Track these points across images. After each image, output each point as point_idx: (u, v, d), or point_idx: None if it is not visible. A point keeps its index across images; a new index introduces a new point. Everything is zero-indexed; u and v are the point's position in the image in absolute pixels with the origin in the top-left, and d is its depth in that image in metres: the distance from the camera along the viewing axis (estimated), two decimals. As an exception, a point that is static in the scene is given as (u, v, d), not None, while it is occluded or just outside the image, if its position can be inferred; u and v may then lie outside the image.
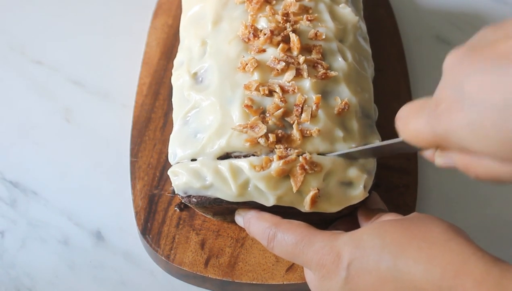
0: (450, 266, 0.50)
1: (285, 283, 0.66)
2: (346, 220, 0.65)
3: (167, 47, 0.84)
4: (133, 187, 0.73)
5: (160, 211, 0.71)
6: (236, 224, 0.69)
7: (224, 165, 0.61)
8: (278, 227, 0.60)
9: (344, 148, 0.62)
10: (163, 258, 0.68)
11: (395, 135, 0.76)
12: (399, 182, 0.72)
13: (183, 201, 0.65)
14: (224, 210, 0.65)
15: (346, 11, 0.71)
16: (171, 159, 0.66)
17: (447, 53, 0.51)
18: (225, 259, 0.68)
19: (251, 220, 0.63)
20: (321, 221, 0.64)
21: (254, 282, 0.66)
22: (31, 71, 0.86)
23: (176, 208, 0.71)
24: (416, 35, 0.90)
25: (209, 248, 0.68)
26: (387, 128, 0.76)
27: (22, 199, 0.75)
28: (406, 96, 0.80)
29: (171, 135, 0.67)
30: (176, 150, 0.65)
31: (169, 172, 0.65)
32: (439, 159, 0.55)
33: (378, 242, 0.54)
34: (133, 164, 0.74)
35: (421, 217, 0.57)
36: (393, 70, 0.82)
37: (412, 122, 0.54)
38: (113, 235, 0.72)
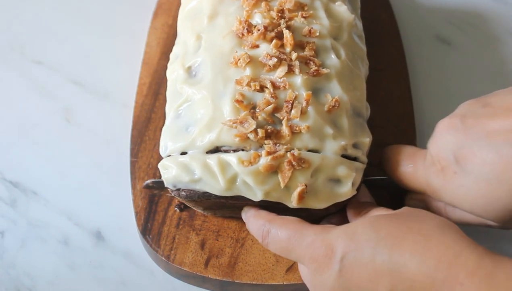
0: (444, 258, 0.51)
1: (285, 283, 0.66)
2: (336, 215, 0.66)
3: (167, 47, 0.84)
4: (133, 187, 0.73)
5: (160, 211, 0.71)
6: (235, 223, 0.69)
7: (212, 159, 0.62)
8: (271, 223, 0.60)
9: (334, 145, 0.63)
10: (163, 258, 0.68)
11: (394, 135, 0.76)
12: (399, 182, 0.72)
13: (172, 194, 0.65)
14: (213, 204, 0.65)
15: (342, 9, 0.71)
16: (162, 151, 0.66)
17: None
18: (225, 259, 0.68)
19: (249, 218, 0.63)
20: (309, 218, 0.64)
21: (254, 282, 0.66)
22: (31, 71, 0.86)
23: (176, 209, 0.71)
24: (416, 35, 0.90)
25: (209, 248, 0.68)
26: (386, 128, 0.77)
27: (22, 199, 0.75)
28: (406, 96, 0.80)
29: (163, 128, 0.67)
30: (167, 142, 0.65)
31: (159, 165, 0.65)
32: (412, 202, 0.67)
33: (373, 235, 0.54)
34: (133, 164, 0.74)
35: (413, 211, 0.58)
36: (393, 70, 0.82)
37: (406, 168, 0.64)
38: (113, 235, 0.72)
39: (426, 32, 0.90)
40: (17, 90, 0.84)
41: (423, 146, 0.74)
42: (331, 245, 0.56)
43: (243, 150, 0.62)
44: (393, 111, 0.78)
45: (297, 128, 0.62)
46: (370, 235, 0.55)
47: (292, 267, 0.67)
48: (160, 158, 0.74)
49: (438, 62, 0.87)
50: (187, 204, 0.69)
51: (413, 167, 0.64)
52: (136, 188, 0.72)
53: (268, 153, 0.60)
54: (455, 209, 0.63)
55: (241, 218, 0.69)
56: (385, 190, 0.69)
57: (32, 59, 0.87)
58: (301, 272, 0.61)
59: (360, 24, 0.75)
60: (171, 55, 0.72)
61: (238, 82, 0.64)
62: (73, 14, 0.92)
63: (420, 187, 0.64)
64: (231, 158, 0.61)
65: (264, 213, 0.62)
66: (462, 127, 0.60)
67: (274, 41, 0.66)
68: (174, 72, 0.69)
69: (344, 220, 0.64)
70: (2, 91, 0.84)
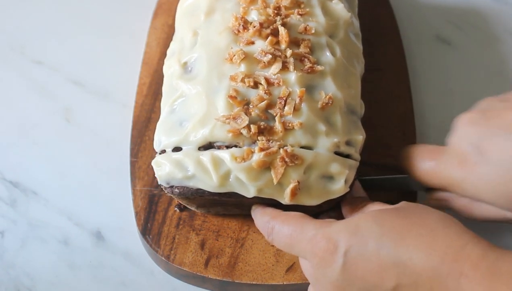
0: (449, 252, 0.52)
1: (285, 283, 0.66)
2: (336, 210, 0.66)
3: (167, 47, 0.84)
4: (133, 187, 0.73)
5: (160, 211, 0.71)
6: (235, 223, 0.69)
7: (206, 156, 0.62)
8: (275, 220, 0.61)
9: (326, 142, 0.63)
10: (163, 258, 0.68)
11: (394, 135, 0.76)
12: (399, 181, 0.72)
13: (166, 192, 0.65)
14: (207, 202, 0.66)
15: (339, 7, 0.72)
16: (155, 146, 0.66)
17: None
18: (225, 259, 0.68)
19: (256, 215, 0.64)
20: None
21: (254, 283, 0.66)
22: (31, 71, 0.86)
23: (176, 209, 0.71)
24: (416, 35, 0.90)
25: (209, 248, 0.68)
26: (386, 128, 0.77)
27: (22, 199, 0.75)
28: (406, 96, 0.80)
29: (158, 123, 0.67)
30: (161, 137, 0.66)
31: (153, 163, 0.65)
32: (433, 202, 0.67)
33: (377, 229, 0.55)
34: (133, 164, 0.74)
35: (413, 206, 0.58)
36: (393, 70, 0.82)
37: (428, 164, 0.64)
38: (113, 235, 0.72)
39: (426, 32, 0.90)
40: (17, 90, 0.84)
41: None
42: (333, 239, 0.56)
43: (236, 146, 0.62)
44: (393, 111, 0.78)
45: (290, 125, 0.62)
46: (373, 228, 0.55)
47: (292, 267, 0.67)
48: (160, 158, 0.74)
49: (438, 62, 0.87)
50: (180, 202, 0.69)
51: (434, 163, 0.64)
52: (136, 188, 0.72)
53: (261, 149, 0.61)
54: (480, 205, 0.63)
55: (240, 217, 0.69)
56: (382, 190, 0.70)
57: (32, 59, 0.87)
58: (302, 267, 0.61)
59: (357, 23, 0.75)
60: (168, 51, 0.73)
61: (233, 78, 0.64)
62: (73, 14, 0.92)
63: (442, 183, 0.64)
64: (224, 154, 0.61)
65: (269, 210, 0.63)
66: (482, 121, 0.62)
67: (269, 38, 0.66)
68: (170, 68, 0.70)
69: (337, 218, 0.65)
70: (2, 91, 0.84)
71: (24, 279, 0.69)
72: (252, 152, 0.61)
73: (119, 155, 0.77)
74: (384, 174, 0.71)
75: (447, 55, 0.88)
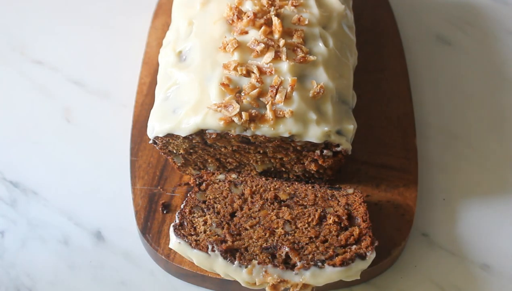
0: None
1: (285, 282, 0.66)
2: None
3: (167, 47, 0.84)
4: (133, 185, 0.72)
5: (160, 210, 0.71)
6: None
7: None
8: None
9: (317, 130, 0.64)
10: (163, 257, 0.68)
11: (394, 135, 0.76)
12: (399, 182, 0.72)
13: None
14: None
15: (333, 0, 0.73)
16: (149, 133, 0.67)
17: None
18: (225, 259, 0.67)
19: None
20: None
21: (254, 282, 0.66)
22: (31, 71, 0.86)
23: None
24: (416, 35, 0.90)
25: (209, 248, 0.68)
26: (386, 128, 0.77)
27: (22, 199, 0.75)
28: (406, 96, 0.80)
29: (152, 110, 0.68)
30: (155, 123, 0.67)
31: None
32: None
33: None
34: (133, 163, 0.74)
35: None
36: (393, 70, 0.82)
37: None
38: (113, 235, 0.72)
39: (426, 32, 0.90)
40: (17, 90, 0.84)
41: (422, 145, 0.74)
42: None
43: (228, 133, 0.63)
44: (393, 111, 0.78)
45: (281, 113, 0.63)
46: None
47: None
48: (160, 157, 0.74)
49: (438, 62, 0.87)
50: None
51: None
52: (136, 187, 0.72)
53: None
54: None
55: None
56: None
57: (32, 59, 0.87)
58: None
59: (351, 15, 0.76)
60: (164, 40, 0.74)
61: (225, 66, 0.65)
62: (73, 15, 0.92)
63: None
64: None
65: None
66: None
67: (262, 27, 0.67)
68: (165, 56, 0.71)
69: None
70: (2, 91, 0.84)
71: (24, 279, 0.69)
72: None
73: (119, 154, 0.77)
74: (385, 174, 0.71)
75: (447, 55, 0.88)
